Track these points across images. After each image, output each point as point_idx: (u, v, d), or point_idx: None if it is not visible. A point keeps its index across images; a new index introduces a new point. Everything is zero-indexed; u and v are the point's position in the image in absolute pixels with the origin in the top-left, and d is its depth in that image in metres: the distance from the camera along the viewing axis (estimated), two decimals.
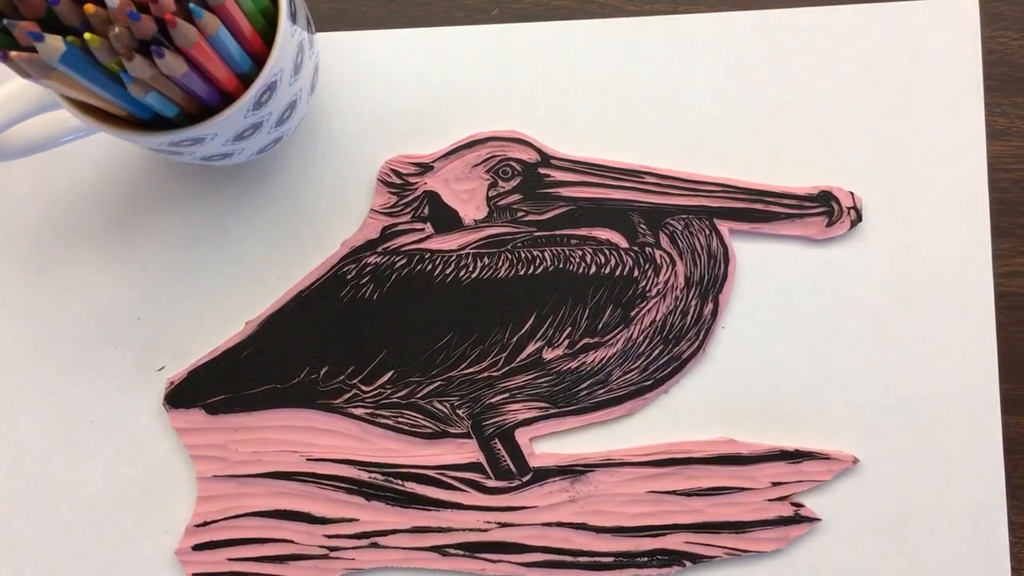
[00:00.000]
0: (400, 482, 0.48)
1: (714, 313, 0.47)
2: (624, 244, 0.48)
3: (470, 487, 0.48)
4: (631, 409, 0.48)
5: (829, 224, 0.48)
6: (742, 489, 0.47)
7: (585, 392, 0.48)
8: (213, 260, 0.49)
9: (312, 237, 0.49)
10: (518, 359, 0.47)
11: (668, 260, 0.47)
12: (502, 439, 0.48)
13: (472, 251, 0.48)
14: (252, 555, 0.48)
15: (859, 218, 0.48)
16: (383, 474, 0.48)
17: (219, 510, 0.48)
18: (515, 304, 0.48)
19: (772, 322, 0.48)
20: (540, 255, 0.48)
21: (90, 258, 0.49)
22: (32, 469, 0.49)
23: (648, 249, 0.47)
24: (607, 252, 0.47)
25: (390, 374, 0.48)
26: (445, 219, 0.48)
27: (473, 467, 0.48)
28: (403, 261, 0.48)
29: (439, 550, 0.48)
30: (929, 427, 0.48)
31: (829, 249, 0.48)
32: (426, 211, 0.48)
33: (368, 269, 0.48)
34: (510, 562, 0.47)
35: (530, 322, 0.47)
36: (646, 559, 0.47)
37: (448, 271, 0.48)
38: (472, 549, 0.47)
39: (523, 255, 0.48)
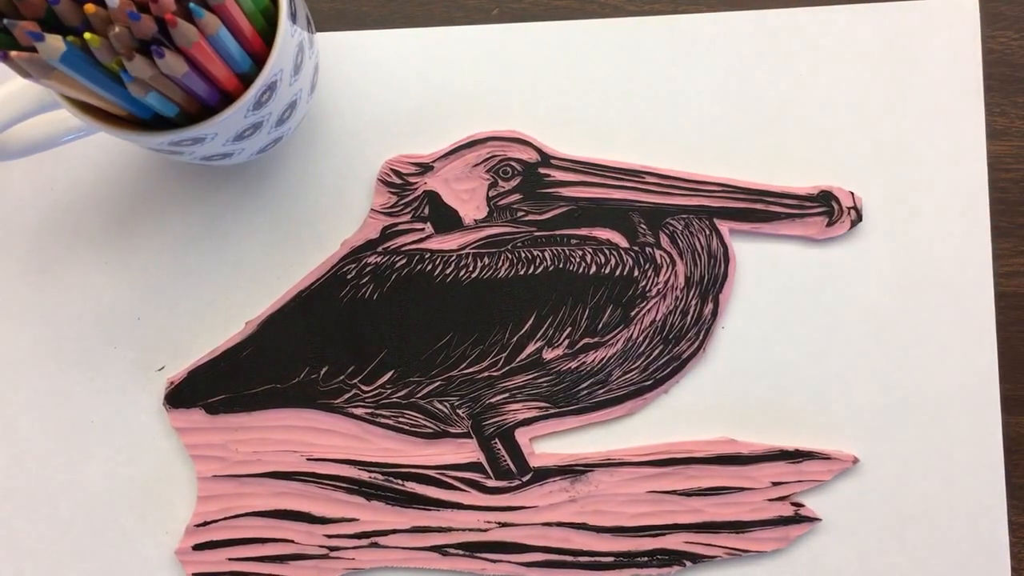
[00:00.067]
0: (400, 482, 0.48)
1: (714, 313, 0.47)
2: (624, 244, 0.48)
3: (470, 487, 0.48)
4: (631, 409, 0.48)
5: (829, 224, 0.48)
6: (742, 489, 0.47)
7: (585, 392, 0.48)
8: (213, 260, 0.49)
9: (312, 237, 0.49)
10: (518, 359, 0.47)
11: (668, 260, 0.47)
12: (502, 439, 0.48)
13: (472, 251, 0.48)
14: (252, 555, 0.48)
15: (859, 218, 0.48)
16: (383, 474, 0.48)
17: (219, 510, 0.48)
18: (515, 304, 0.48)
19: (772, 322, 0.48)
20: (540, 255, 0.48)
21: (90, 258, 0.49)
22: (32, 469, 0.49)
23: (648, 249, 0.47)
24: (607, 252, 0.47)
25: (390, 374, 0.48)
26: (445, 219, 0.48)
27: (473, 467, 0.48)
28: (403, 261, 0.48)
29: (439, 550, 0.48)
30: (929, 427, 0.48)
31: (829, 249, 0.48)
32: (426, 211, 0.48)
33: (368, 269, 0.48)
34: (510, 562, 0.47)
35: (530, 322, 0.47)
36: (646, 559, 0.47)
37: (448, 271, 0.48)
38: (472, 549, 0.47)
39: (523, 255, 0.48)
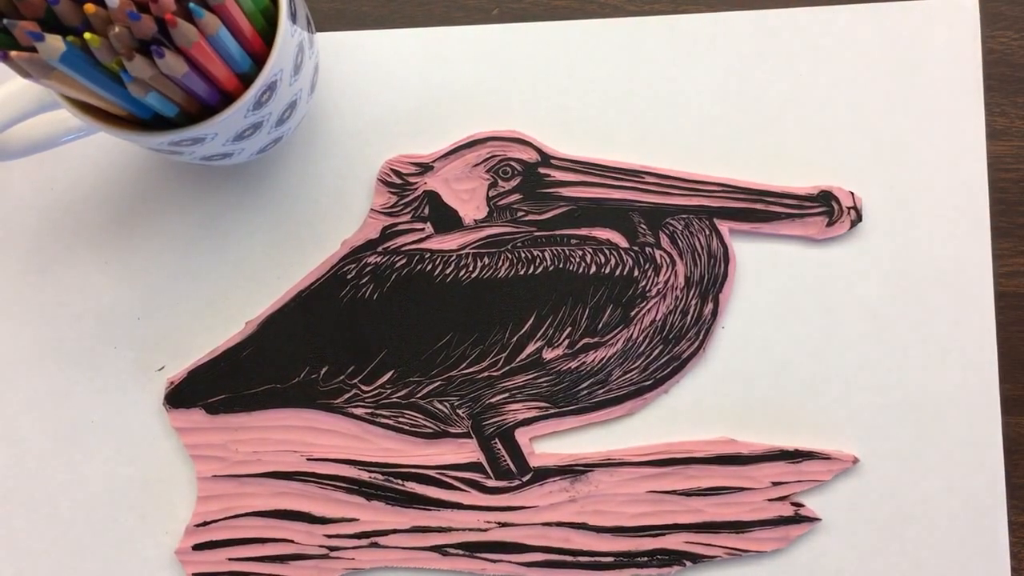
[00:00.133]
0: (400, 482, 0.48)
1: (714, 313, 0.47)
2: (624, 244, 0.48)
3: (470, 487, 0.48)
4: (631, 409, 0.48)
5: (829, 224, 0.48)
6: (742, 489, 0.47)
7: (585, 392, 0.48)
8: (213, 260, 0.49)
9: (312, 237, 0.49)
10: (518, 359, 0.47)
11: (668, 260, 0.47)
12: (502, 439, 0.48)
13: (472, 251, 0.48)
14: (252, 555, 0.48)
15: (859, 218, 0.48)
16: (383, 474, 0.48)
17: (219, 510, 0.48)
18: (515, 304, 0.48)
19: (772, 322, 0.48)
20: (540, 255, 0.48)
21: (90, 258, 0.49)
22: (32, 469, 0.49)
23: (648, 249, 0.47)
24: (607, 252, 0.47)
25: (390, 374, 0.48)
26: (445, 219, 0.48)
27: (473, 467, 0.48)
28: (403, 261, 0.48)
29: (439, 550, 0.48)
30: (929, 427, 0.48)
31: (829, 249, 0.48)
32: (426, 211, 0.48)
33: (368, 269, 0.48)
34: (510, 562, 0.47)
35: (530, 322, 0.47)
36: (646, 559, 0.47)
37: (448, 271, 0.48)
38: (472, 549, 0.47)
39: (523, 255, 0.48)
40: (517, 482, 0.48)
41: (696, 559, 0.47)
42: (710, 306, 0.47)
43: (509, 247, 0.48)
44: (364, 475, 0.48)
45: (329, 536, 0.48)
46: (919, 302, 0.48)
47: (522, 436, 0.48)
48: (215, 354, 0.48)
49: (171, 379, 0.48)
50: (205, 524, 0.48)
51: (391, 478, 0.48)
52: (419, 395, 0.48)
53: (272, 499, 0.48)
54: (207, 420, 0.48)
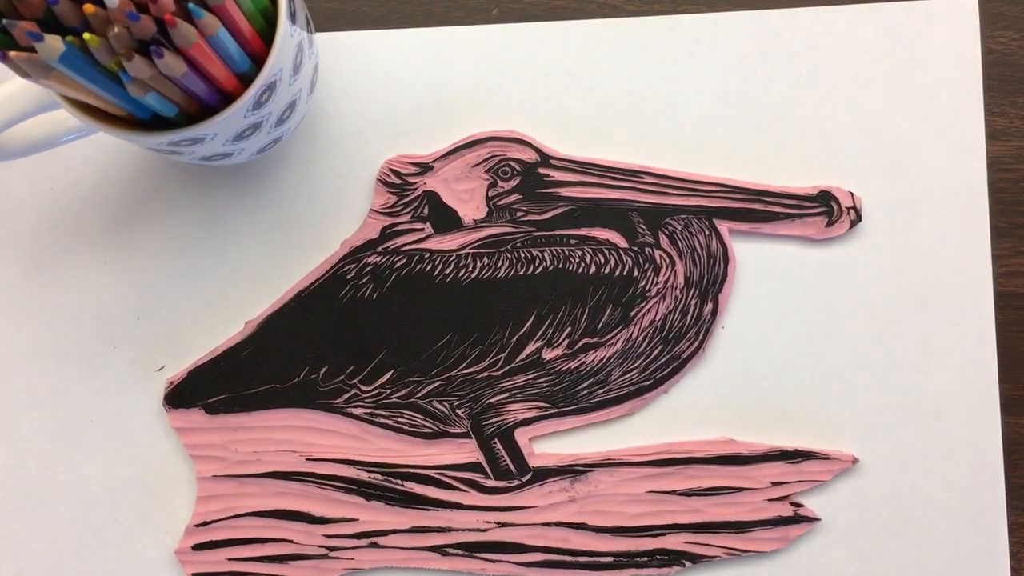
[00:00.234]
0: (400, 482, 0.48)
1: (714, 313, 0.47)
2: (624, 244, 0.48)
3: (470, 487, 0.48)
4: (631, 409, 0.48)
5: (829, 224, 0.48)
6: (742, 489, 0.47)
7: (585, 392, 0.48)
8: (213, 260, 0.49)
9: (312, 237, 0.49)
10: (518, 359, 0.47)
11: (668, 260, 0.47)
12: (502, 439, 0.48)
13: (472, 251, 0.48)
14: (252, 555, 0.48)
15: (859, 218, 0.48)
16: (383, 474, 0.48)
17: (219, 510, 0.48)
18: (515, 304, 0.48)
19: (772, 322, 0.48)
20: (540, 255, 0.48)
21: (90, 258, 0.49)
22: (32, 469, 0.49)
23: (648, 249, 0.47)
24: (607, 252, 0.47)
25: (390, 374, 0.48)
26: (445, 219, 0.48)
27: (473, 467, 0.48)
28: (403, 261, 0.48)
29: (439, 550, 0.48)
30: (929, 427, 0.48)
31: (829, 249, 0.48)
32: (426, 211, 0.48)
33: (368, 269, 0.48)
34: (510, 562, 0.47)
35: (530, 322, 0.47)
36: (646, 559, 0.47)
37: (448, 271, 0.48)
38: (472, 549, 0.47)
39: (523, 255, 0.48)
40: (517, 482, 0.48)
41: (696, 559, 0.47)
42: (710, 306, 0.47)
43: (509, 247, 0.48)
44: (364, 475, 0.48)
45: (329, 536, 0.48)
46: (919, 302, 0.48)
47: (522, 436, 0.48)
48: (215, 354, 0.48)
49: (171, 379, 0.48)
50: (205, 524, 0.48)
51: (390, 478, 0.48)
52: (419, 395, 0.48)
53: (272, 499, 0.48)
54: (207, 420, 0.48)
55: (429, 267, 0.48)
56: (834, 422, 0.48)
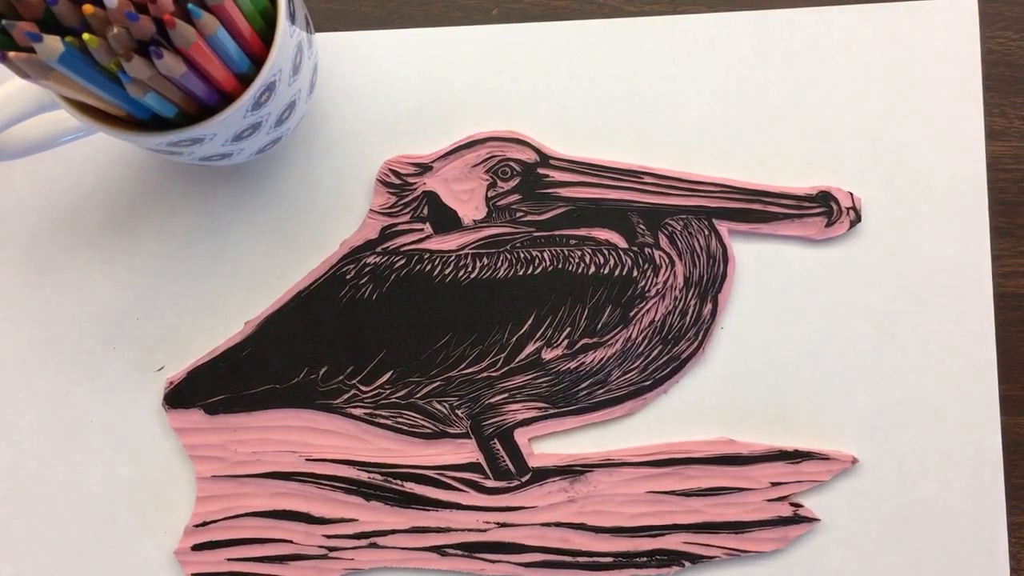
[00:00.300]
0: (399, 482, 0.48)
1: (713, 313, 0.47)
2: (623, 244, 0.48)
3: (469, 487, 0.48)
4: (630, 409, 0.48)
5: (828, 224, 0.48)
6: (741, 489, 0.47)
7: (584, 392, 0.48)
8: (213, 260, 0.49)
9: (312, 237, 0.49)
10: (517, 359, 0.47)
11: (667, 260, 0.47)
12: (501, 439, 0.48)
13: (471, 251, 0.48)
14: (251, 555, 0.48)
15: (858, 218, 0.48)
16: (382, 474, 0.48)
17: (218, 510, 0.48)
18: (514, 304, 0.48)
19: (771, 322, 0.48)
20: (539, 255, 0.48)
21: (89, 258, 0.49)
22: (32, 469, 0.49)
23: (647, 249, 0.47)
24: (606, 252, 0.47)
25: (389, 374, 0.48)
26: (444, 219, 0.48)
27: (472, 467, 0.48)
28: (402, 261, 0.48)
29: (438, 550, 0.48)
30: (928, 427, 0.47)
31: (828, 249, 0.48)
32: (425, 211, 0.48)
33: (367, 269, 0.48)
34: (509, 562, 0.47)
35: (529, 322, 0.47)
36: (645, 559, 0.47)
37: (447, 271, 0.48)
38: (471, 549, 0.47)
39: (522, 255, 0.48)
40: (516, 482, 0.48)
41: (695, 559, 0.47)
42: (709, 306, 0.47)
43: (508, 247, 0.48)
44: (363, 475, 0.48)
45: (328, 536, 0.48)
46: (918, 302, 0.48)
47: (521, 436, 0.48)
48: (214, 354, 0.48)
49: (170, 379, 0.48)
50: (204, 524, 0.48)
51: (390, 478, 0.48)
52: (418, 395, 0.48)
53: (271, 499, 0.48)
54: (206, 420, 0.48)
55: (429, 267, 0.48)
56: (833, 422, 0.48)
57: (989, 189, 0.48)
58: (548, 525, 0.47)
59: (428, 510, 0.48)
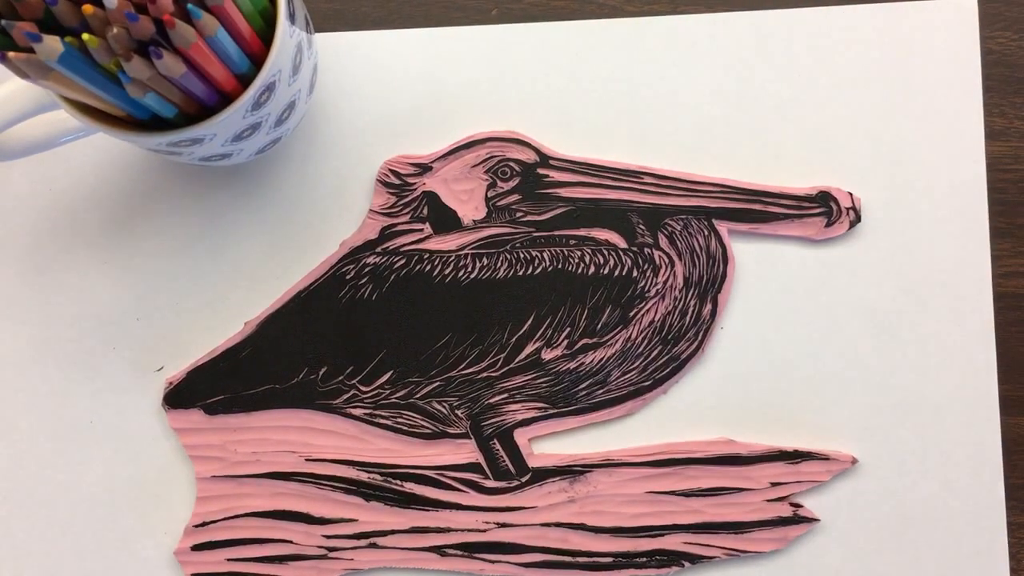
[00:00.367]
0: (399, 482, 0.48)
1: (713, 313, 0.47)
2: (623, 244, 0.48)
3: (469, 487, 0.48)
4: (630, 409, 0.48)
5: (828, 225, 0.48)
6: (741, 490, 0.47)
7: (584, 392, 0.48)
8: (213, 260, 0.49)
9: (311, 237, 0.49)
10: (517, 359, 0.47)
11: (667, 260, 0.47)
12: (501, 439, 0.48)
13: (471, 251, 0.48)
14: (251, 555, 0.48)
15: (858, 219, 0.48)
16: (382, 474, 0.48)
17: (218, 510, 0.48)
18: (514, 304, 0.48)
19: (771, 322, 0.48)
20: (539, 255, 0.48)
21: (89, 258, 0.49)
22: (32, 469, 0.49)
23: (647, 249, 0.47)
24: (606, 252, 0.47)
25: (389, 374, 0.48)
26: (444, 219, 0.48)
27: (472, 467, 0.48)
28: (402, 261, 0.48)
29: (438, 550, 0.48)
30: (928, 427, 0.47)
31: (828, 249, 0.48)
32: (425, 211, 0.48)
33: (367, 269, 0.48)
34: (509, 562, 0.47)
35: (529, 322, 0.47)
36: (645, 559, 0.47)
37: (447, 271, 0.48)
38: (471, 549, 0.47)
39: (522, 255, 0.48)
40: (516, 483, 0.48)
41: (695, 560, 0.47)
42: (709, 306, 0.47)
43: (508, 248, 0.48)
44: (363, 476, 0.48)
45: (328, 536, 0.48)
46: (918, 302, 0.48)
47: (521, 437, 0.48)
48: (214, 354, 0.48)
49: (170, 379, 0.48)
50: (204, 524, 0.48)
51: (390, 479, 0.48)
52: (418, 396, 0.48)
53: (271, 500, 0.48)
54: (206, 421, 0.48)
55: (428, 268, 0.48)
56: (833, 422, 0.48)
57: (989, 189, 0.48)
58: (548, 525, 0.47)
59: (428, 510, 0.48)
